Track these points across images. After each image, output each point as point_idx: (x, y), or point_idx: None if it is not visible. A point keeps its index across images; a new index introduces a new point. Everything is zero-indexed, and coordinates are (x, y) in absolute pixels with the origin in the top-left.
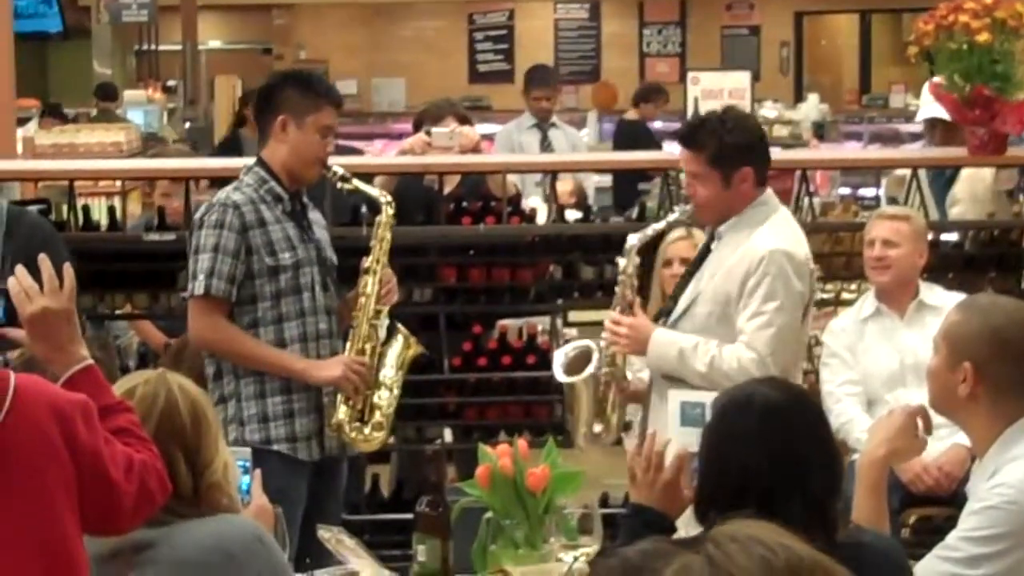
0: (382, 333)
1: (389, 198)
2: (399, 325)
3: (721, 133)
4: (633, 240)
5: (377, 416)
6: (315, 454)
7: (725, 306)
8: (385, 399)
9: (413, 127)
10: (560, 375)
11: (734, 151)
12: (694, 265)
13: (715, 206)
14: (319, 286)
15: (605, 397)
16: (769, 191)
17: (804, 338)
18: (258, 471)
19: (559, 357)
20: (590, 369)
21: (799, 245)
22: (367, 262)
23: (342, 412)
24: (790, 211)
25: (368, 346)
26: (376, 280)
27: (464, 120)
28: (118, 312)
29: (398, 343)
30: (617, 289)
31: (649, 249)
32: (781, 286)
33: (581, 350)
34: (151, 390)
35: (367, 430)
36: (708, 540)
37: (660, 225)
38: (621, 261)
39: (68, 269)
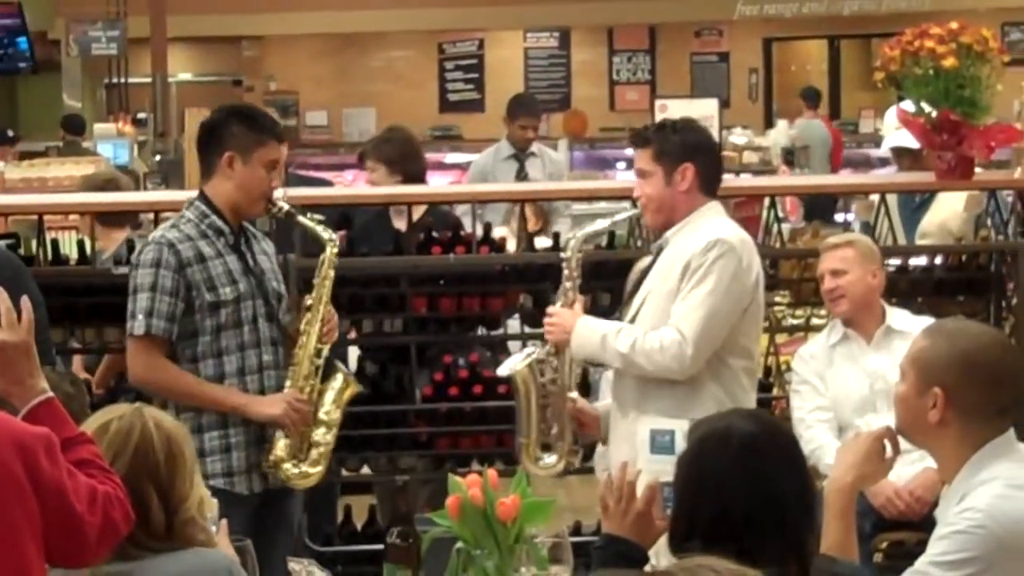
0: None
1: (333, 236)
2: (338, 363)
3: (668, 132)
4: (576, 233)
5: (315, 453)
6: (256, 487)
7: (669, 300)
8: (323, 436)
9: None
10: (503, 371)
11: (677, 147)
12: (642, 275)
13: (658, 204)
14: (263, 318)
15: (551, 411)
16: (717, 203)
17: (744, 339)
18: (224, 521)
19: (509, 360)
20: (525, 359)
21: (747, 245)
22: (308, 300)
23: (280, 448)
24: (758, 238)
25: (308, 384)
26: (317, 318)
27: (390, 161)
28: (88, 346)
29: (337, 381)
30: (562, 282)
31: (618, 277)
32: (718, 272)
33: (527, 356)
34: (126, 425)
35: (304, 467)
36: (661, 572)
37: (605, 223)
38: (564, 254)
39: (26, 302)
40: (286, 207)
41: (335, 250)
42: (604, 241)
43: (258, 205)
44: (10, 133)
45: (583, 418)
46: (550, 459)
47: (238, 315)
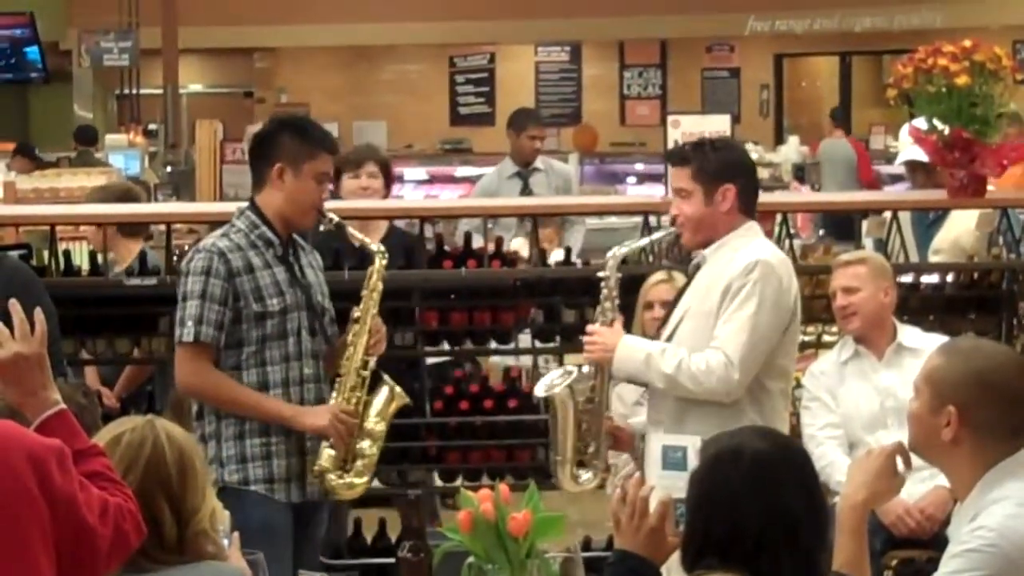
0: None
1: (383, 248)
2: (385, 376)
3: (707, 150)
4: (615, 251)
5: (359, 464)
6: (294, 496)
7: (708, 319)
8: (368, 448)
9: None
10: (540, 391)
11: (717, 167)
12: (678, 296)
13: (697, 224)
14: (306, 331)
15: (588, 430)
16: (755, 223)
17: (783, 360)
18: (236, 534)
19: (545, 379)
20: (566, 381)
21: (786, 266)
22: (357, 312)
23: (325, 459)
24: None
25: (355, 396)
26: (365, 330)
27: (385, 167)
28: (100, 357)
29: (383, 394)
30: (600, 302)
31: (630, 293)
32: (760, 294)
33: (563, 373)
34: (138, 437)
35: (349, 478)
36: None
37: (643, 241)
38: (602, 273)
39: (39, 314)
40: (336, 219)
41: (384, 261)
42: None
43: (308, 216)
44: (37, 151)
45: (619, 435)
46: (586, 475)
47: (283, 326)
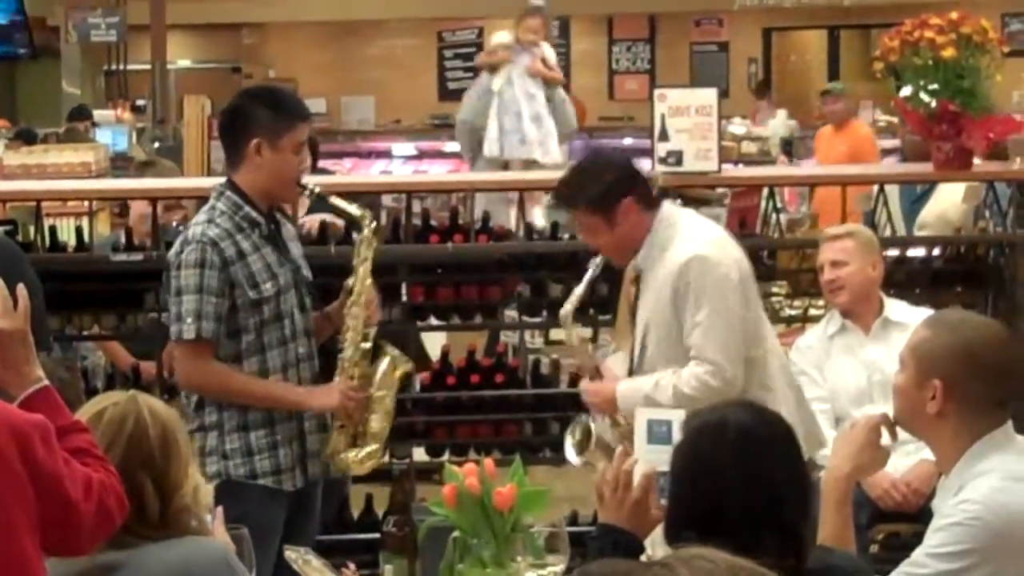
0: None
1: (370, 215)
2: (386, 345)
3: (584, 182)
4: (565, 311)
5: (370, 439)
6: (298, 483)
7: (669, 329)
8: (378, 422)
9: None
10: (574, 459)
11: (604, 192)
12: (634, 302)
13: (616, 246)
14: (297, 309)
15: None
16: (665, 205)
17: (752, 327)
18: (219, 508)
19: (568, 441)
20: (591, 443)
21: (710, 244)
22: (350, 283)
23: (336, 438)
24: (757, 227)
25: (357, 370)
26: (361, 300)
27: (312, 143)
28: (85, 333)
29: (385, 363)
30: (574, 360)
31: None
32: (703, 290)
33: (582, 427)
34: (120, 412)
35: (361, 453)
36: (658, 563)
37: (582, 288)
38: (563, 334)
39: (22, 290)
40: (316, 189)
41: (373, 227)
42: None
43: (290, 189)
44: (40, 133)
45: None
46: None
47: (278, 309)
